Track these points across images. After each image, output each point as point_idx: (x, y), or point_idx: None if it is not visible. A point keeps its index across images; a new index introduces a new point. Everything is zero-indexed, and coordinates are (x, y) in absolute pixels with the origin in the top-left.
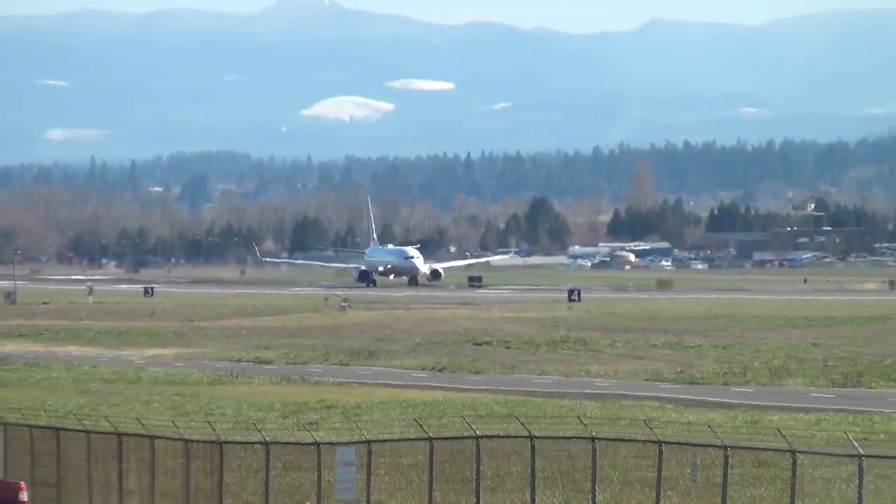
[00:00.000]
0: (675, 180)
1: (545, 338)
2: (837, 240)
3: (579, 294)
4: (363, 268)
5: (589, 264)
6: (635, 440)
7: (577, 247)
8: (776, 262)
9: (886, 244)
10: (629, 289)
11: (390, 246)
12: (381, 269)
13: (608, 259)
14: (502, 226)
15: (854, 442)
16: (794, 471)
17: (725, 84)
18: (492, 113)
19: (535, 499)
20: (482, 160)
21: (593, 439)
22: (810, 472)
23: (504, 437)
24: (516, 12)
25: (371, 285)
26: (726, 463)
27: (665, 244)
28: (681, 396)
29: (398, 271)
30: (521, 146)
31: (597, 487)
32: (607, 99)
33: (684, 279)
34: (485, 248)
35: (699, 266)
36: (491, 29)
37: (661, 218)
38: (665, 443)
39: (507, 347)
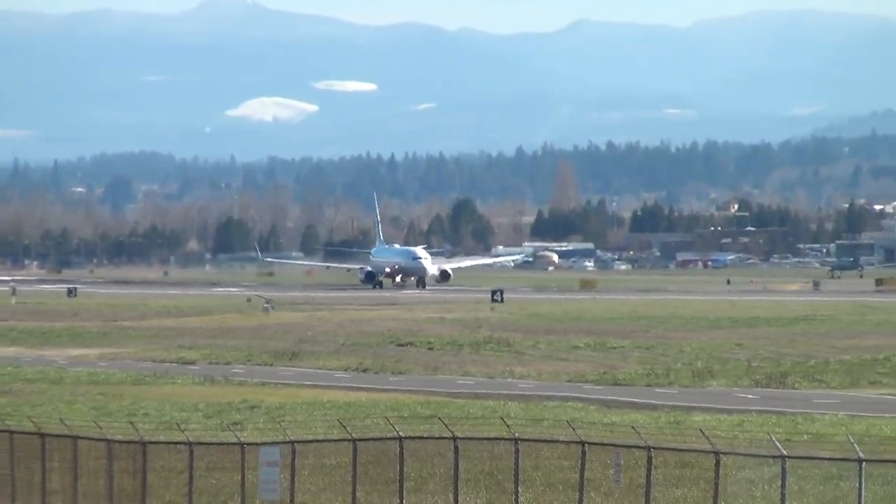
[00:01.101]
0: (598, 181)
1: (468, 339)
2: (761, 241)
3: (502, 295)
4: (368, 269)
5: (512, 265)
6: (558, 441)
7: (500, 247)
8: (699, 263)
9: (809, 245)
10: (552, 289)
11: (397, 245)
12: (387, 270)
13: (531, 259)
14: (425, 227)
15: (777, 443)
16: (717, 472)
17: (650, 85)
18: (415, 114)
19: (458, 500)
20: (405, 161)
21: (516, 440)
22: (734, 472)
23: (427, 438)
24: (442, 13)
25: (377, 287)
26: (649, 464)
27: (588, 245)
28: (604, 397)
29: (406, 272)
30: (444, 147)
31: (520, 488)
32: (531, 100)
33: (607, 280)
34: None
35: (622, 267)
36: (416, 30)
37: (584, 219)
38: (588, 443)
39: (430, 348)
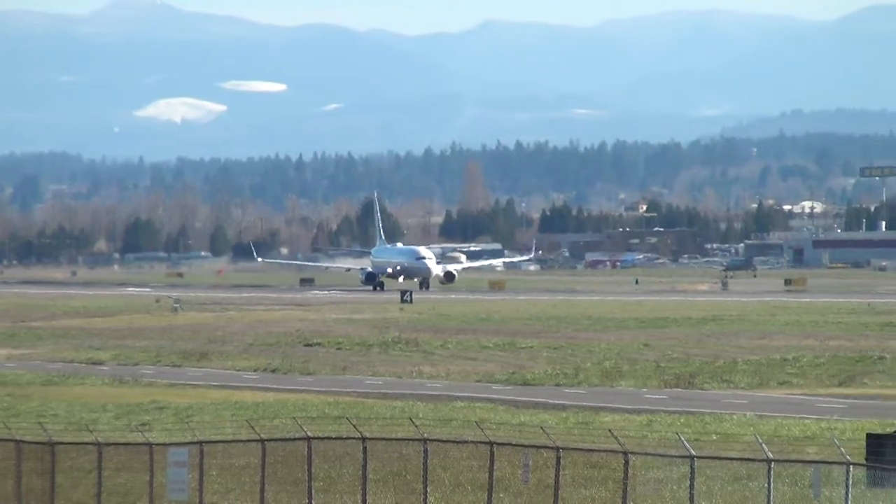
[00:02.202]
0: (507, 181)
1: (377, 339)
2: (669, 241)
3: (411, 295)
4: (370, 269)
5: (522, 266)
6: (467, 441)
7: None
8: (608, 263)
9: (718, 245)
10: (461, 290)
11: (399, 245)
12: (389, 270)
13: (439, 260)
14: (334, 227)
15: (686, 443)
16: (626, 472)
17: (558, 85)
18: (324, 114)
19: (366, 500)
20: (314, 161)
21: (425, 441)
22: (642, 473)
23: (336, 438)
24: (352, 14)
25: (378, 288)
26: (558, 464)
27: (497, 245)
28: (513, 398)
29: (409, 273)
30: (353, 147)
31: (428, 489)
32: (440, 100)
33: (516, 280)
34: (316, 250)
35: (531, 267)
36: (325, 30)
37: (492, 219)
38: (497, 444)
39: (338, 349)
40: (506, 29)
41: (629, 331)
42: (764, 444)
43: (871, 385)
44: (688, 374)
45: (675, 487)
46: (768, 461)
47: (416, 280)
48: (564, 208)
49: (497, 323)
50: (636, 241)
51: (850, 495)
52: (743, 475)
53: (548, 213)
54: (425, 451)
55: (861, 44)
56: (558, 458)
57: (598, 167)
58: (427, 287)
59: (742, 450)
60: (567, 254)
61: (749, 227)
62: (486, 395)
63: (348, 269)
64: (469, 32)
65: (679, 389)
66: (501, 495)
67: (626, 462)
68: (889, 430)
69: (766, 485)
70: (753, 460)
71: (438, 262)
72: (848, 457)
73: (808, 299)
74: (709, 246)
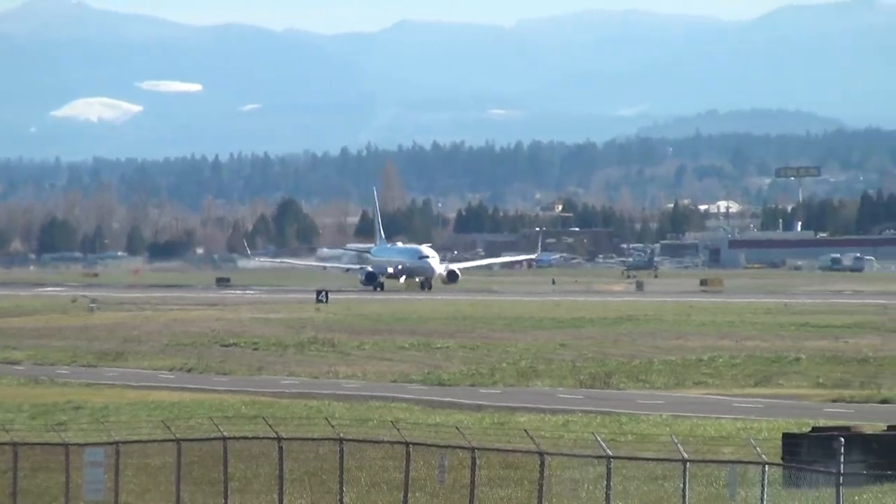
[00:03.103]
0: (423, 181)
1: (293, 339)
2: (585, 240)
3: (327, 295)
4: (369, 269)
5: (524, 266)
6: (383, 441)
7: (325, 249)
8: (524, 264)
9: (633, 245)
10: (389, 289)
11: (400, 244)
12: (390, 270)
13: (355, 261)
14: (250, 227)
15: (602, 443)
16: (541, 472)
17: (475, 85)
18: (241, 114)
19: (282, 500)
20: (231, 161)
21: (341, 440)
22: (558, 473)
23: (252, 438)
24: (268, 14)
25: (379, 289)
26: (474, 464)
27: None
28: (428, 398)
29: (411, 273)
30: (269, 148)
31: (344, 488)
32: (356, 100)
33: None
34: (232, 251)
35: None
36: (242, 30)
37: (409, 219)
38: (412, 444)
39: (254, 349)
40: (422, 28)
41: (545, 331)
42: (680, 445)
43: (786, 385)
44: (604, 374)
45: (591, 487)
46: (684, 461)
47: (417, 280)
48: (480, 208)
49: (413, 323)
50: (552, 240)
51: (765, 495)
52: (659, 475)
53: (463, 213)
54: (341, 450)
55: (777, 44)
56: (474, 459)
57: (514, 167)
58: (429, 287)
59: (658, 450)
60: (483, 253)
61: (665, 227)
62: (401, 396)
63: (347, 270)
64: (385, 32)
65: (595, 389)
66: (417, 495)
67: (542, 462)
68: (805, 429)
69: (681, 485)
70: (669, 460)
71: (442, 262)
72: (764, 456)
73: (724, 299)
74: (624, 246)
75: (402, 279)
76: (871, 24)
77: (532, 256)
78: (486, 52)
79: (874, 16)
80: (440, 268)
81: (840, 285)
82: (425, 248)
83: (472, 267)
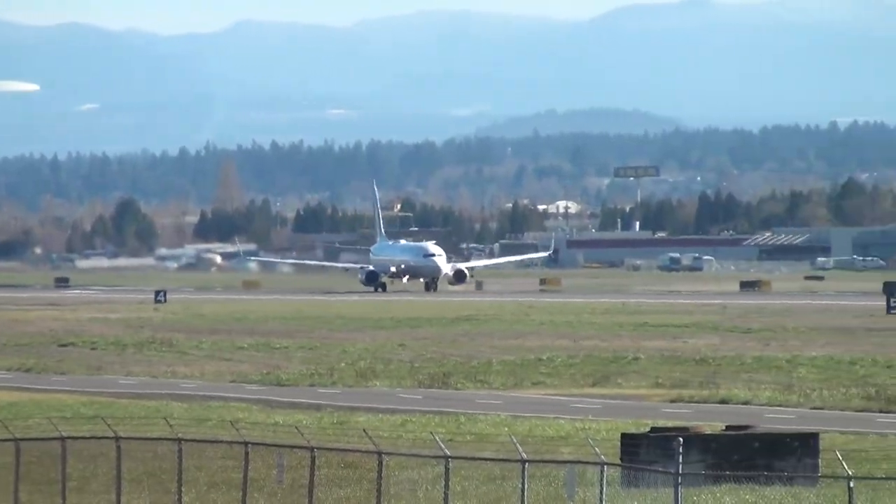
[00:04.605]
0: (262, 181)
1: (132, 339)
2: (424, 240)
3: (165, 295)
4: (370, 269)
5: (175, 266)
6: (221, 441)
7: (163, 249)
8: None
9: (473, 245)
10: (216, 290)
11: (403, 241)
12: (393, 269)
13: (194, 261)
14: (89, 227)
15: (440, 443)
16: (380, 472)
17: (313, 85)
18: (79, 114)
19: (121, 500)
20: (69, 161)
21: (179, 440)
22: (397, 473)
23: (90, 438)
24: (106, 14)
25: (380, 290)
26: (313, 464)
27: (252, 245)
28: (268, 398)
29: (416, 272)
30: (108, 147)
31: (183, 488)
32: (195, 100)
33: (271, 280)
34: (71, 250)
35: (286, 268)
36: (79, 30)
37: (248, 219)
38: (251, 444)
39: (93, 348)
40: (260, 29)
41: (384, 331)
42: (518, 445)
43: (625, 385)
44: (442, 374)
45: (429, 487)
46: (522, 461)
47: (421, 280)
48: (319, 208)
49: (252, 323)
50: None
51: (604, 495)
52: (497, 475)
53: (302, 212)
54: (180, 450)
55: (614, 44)
56: (313, 458)
57: (353, 167)
58: (434, 288)
59: (496, 450)
60: (322, 254)
61: (504, 226)
62: (240, 395)
63: (346, 269)
64: (223, 33)
65: (434, 389)
66: (256, 495)
67: (381, 462)
68: (643, 429)
69: (520, 485)
70: (508, 460)
71: (449, 260)
72: (602, 457)
73: (562, 299)
74: (464, 246)
75: (406, 279)
76: (709, 23)
77: (545, 254)
78: (325, 53)
79: (711, 15)
80: (447, 267)
81: (679, 285)
82: (431, 246)
83: (482, 266)
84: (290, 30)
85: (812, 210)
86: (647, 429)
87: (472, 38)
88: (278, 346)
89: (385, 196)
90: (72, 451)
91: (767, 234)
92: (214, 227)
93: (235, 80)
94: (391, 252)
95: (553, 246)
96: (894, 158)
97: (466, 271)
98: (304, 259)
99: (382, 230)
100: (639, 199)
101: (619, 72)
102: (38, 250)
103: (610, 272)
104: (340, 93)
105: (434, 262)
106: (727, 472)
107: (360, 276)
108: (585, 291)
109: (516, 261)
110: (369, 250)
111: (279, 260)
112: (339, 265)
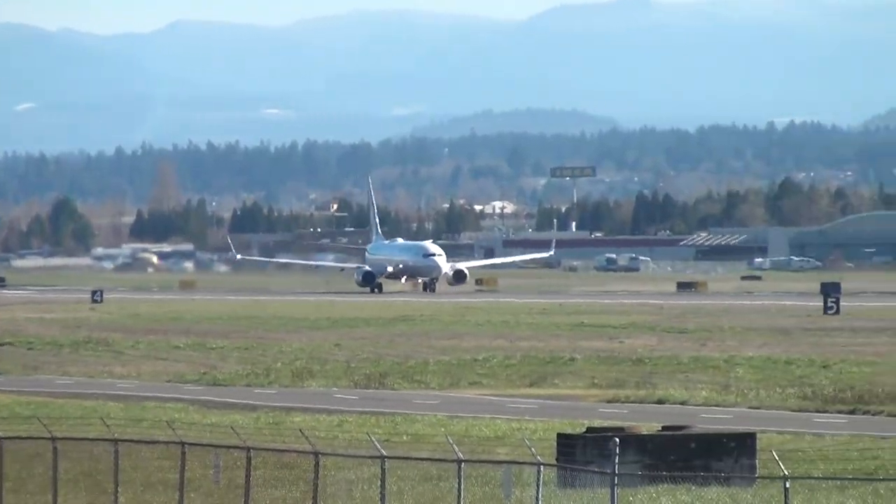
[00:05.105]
0: (198, 181)
1: (68, 339)
2: (360, 241)
3: (102, 295)
4: (367, 269)
5: (112, 266)
6: (158, 441)
7: (100, 248)
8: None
9: None
10: (152, 290)
11: (400, 240)
12: (390, 269)
13: (130, 261)
14: (25, 227)
15: (377, 443)
16: (316, 472)
17: (249, 85)
18: (15, 114)
19: (57, 501)
20: (5, 160)
21: (116, 441)
22: (333, 473)
23: (26, 438)
24: (41, 13)
25: (376, 290)
26: (249, 464)
27: (188, 246)
28: (203, 398)
29: (414, 272)
30: (44, 147)
31: (119, 489)
32: (131, 99)
33: (207, 280)
34: (8, 251)
35: (222, 268)
36: (14, 30)
37: (184, 219)
38: (187, 444)
39: (29, 348)
40: (196, 29)
41: (321, 331)
42: (455, 445)
43: (562, 385)
44: (378, 375)
45: (365, 487)
46: (459, 461)
47: (420, 281)
48: (255, 208)
49: (188, 323)
50: (327, 240)
51: (540, 495)
52: (434, 475)
53: (238, 212)
54: (116, 451)
55: (550, 43)
56: (249, 459)
57: (289, 167)
58: (433, 289)
59: (433, 450)
60: (258, 254)
61: (440, 226)
62: (177, 396)
63: (342, 269)
64: (159, 32)
65: (370, 390)
66: (193, 495)
67: (317, 462)
68: (580, 430)
69: (456, 485)
70: (444, 461)
71: (449, 260)
72: (539, 457)
73: (498, 299)
74: None
75: (404, 279)
76: (646, 23)
77: (546, 255)
78: (262, 53)
79: (649, 15)
80: (446, 267)
81: (615, 285)
82: (430, 245)
83: (479, 266)
84: (226, 30)
85: (749, 210)
86: (584, 429)
87: (409, 37)
88: (214, 346)
89: (321, 196)
90: (8, 452)
91: (704, 234)
92: (151, 227)
93: (172, 80)
94: (388, 251)
95: (553, 246)
96: (831, 158)
97: (466, 272)
98: (306, 259)
99: (378, 228)
100: (575, 199)
101: (556, 72)
102: None
103: (546, 272)
104: (277, 92)
105: (434, 261)
106: (664, 473)
107: (355, 276)
108: (522, 292)
109: (516, 261)
110: (365, 249)
111: (269, 259)
112: (337, 265)
